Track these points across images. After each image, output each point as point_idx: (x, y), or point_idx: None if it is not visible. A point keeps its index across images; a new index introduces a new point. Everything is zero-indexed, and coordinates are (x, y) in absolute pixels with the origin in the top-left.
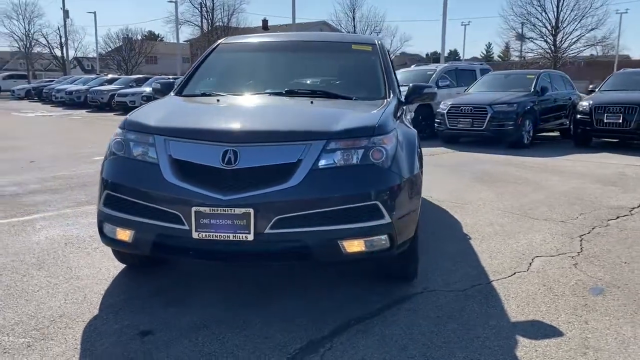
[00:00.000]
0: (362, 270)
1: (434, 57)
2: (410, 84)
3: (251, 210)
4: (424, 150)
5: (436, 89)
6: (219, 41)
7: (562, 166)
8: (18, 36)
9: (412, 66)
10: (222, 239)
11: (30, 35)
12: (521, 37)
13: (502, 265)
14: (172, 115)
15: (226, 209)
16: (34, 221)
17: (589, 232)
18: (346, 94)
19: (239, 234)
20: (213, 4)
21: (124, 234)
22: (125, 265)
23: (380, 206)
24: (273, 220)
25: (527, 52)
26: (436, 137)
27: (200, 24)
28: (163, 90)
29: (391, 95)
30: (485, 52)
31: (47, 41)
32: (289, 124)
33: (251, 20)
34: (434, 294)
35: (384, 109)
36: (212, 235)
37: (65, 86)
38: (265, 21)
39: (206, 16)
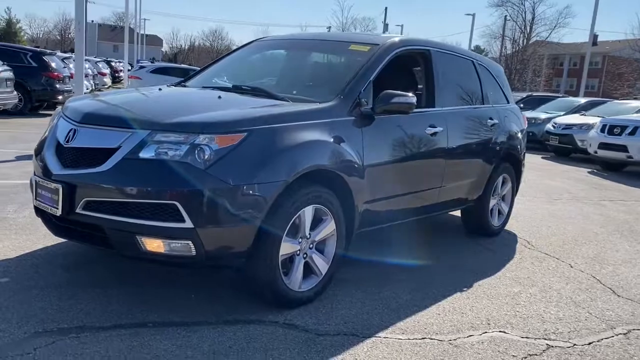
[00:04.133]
0: None
1: None
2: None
3: (60, 187)
4: None
5: (413, 99)
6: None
7: None
8: None
9: None
10: (45, 210)
11: None
12: None
13: (429, 326)
14: (90, 98)
15: (49, 182)
16: None
17: None
18: (288, 93)
19: (53, 208)
20: (533, 16)
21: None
22: None
23: (180, 208)
24: (82, 202)
25: None
26: None
27: (510, 37)
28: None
29: (336, 100)
30: None
31: None
32: (124, 111)
33: (577, 35)
34: (283, 328)
35: (271, 109)
36: (42, 205)
37: None
38: (595, 36)
39: (522, 29)
